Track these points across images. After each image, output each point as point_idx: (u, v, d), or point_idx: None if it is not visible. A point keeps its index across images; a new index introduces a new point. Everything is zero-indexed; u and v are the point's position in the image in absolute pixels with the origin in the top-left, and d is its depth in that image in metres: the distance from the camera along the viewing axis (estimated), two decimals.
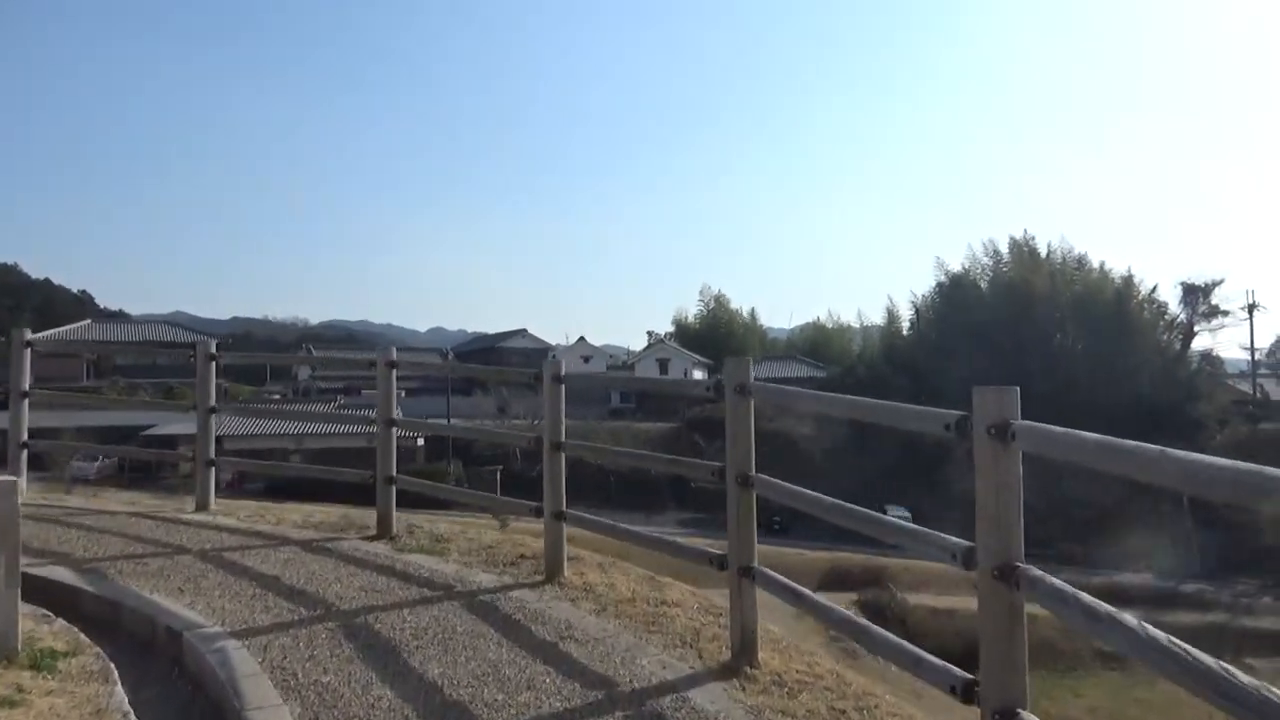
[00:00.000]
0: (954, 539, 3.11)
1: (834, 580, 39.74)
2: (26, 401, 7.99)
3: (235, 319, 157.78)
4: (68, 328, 68.00)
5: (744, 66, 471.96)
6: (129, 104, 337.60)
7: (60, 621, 3.90)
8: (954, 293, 65.57)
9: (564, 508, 5.24)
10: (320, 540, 5.81)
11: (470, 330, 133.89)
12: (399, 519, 6.18)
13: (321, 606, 4.40)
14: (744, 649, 4.07)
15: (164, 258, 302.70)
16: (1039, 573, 2.76)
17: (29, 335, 8.00)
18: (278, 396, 69.05)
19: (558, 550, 5.21)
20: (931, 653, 3.16)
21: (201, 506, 6.84)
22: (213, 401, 7.10)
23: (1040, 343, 59.11)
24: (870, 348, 76.19)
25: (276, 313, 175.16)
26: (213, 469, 7.03)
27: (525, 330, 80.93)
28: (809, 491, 4.35)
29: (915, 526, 3.59)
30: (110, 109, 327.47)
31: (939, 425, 3.13)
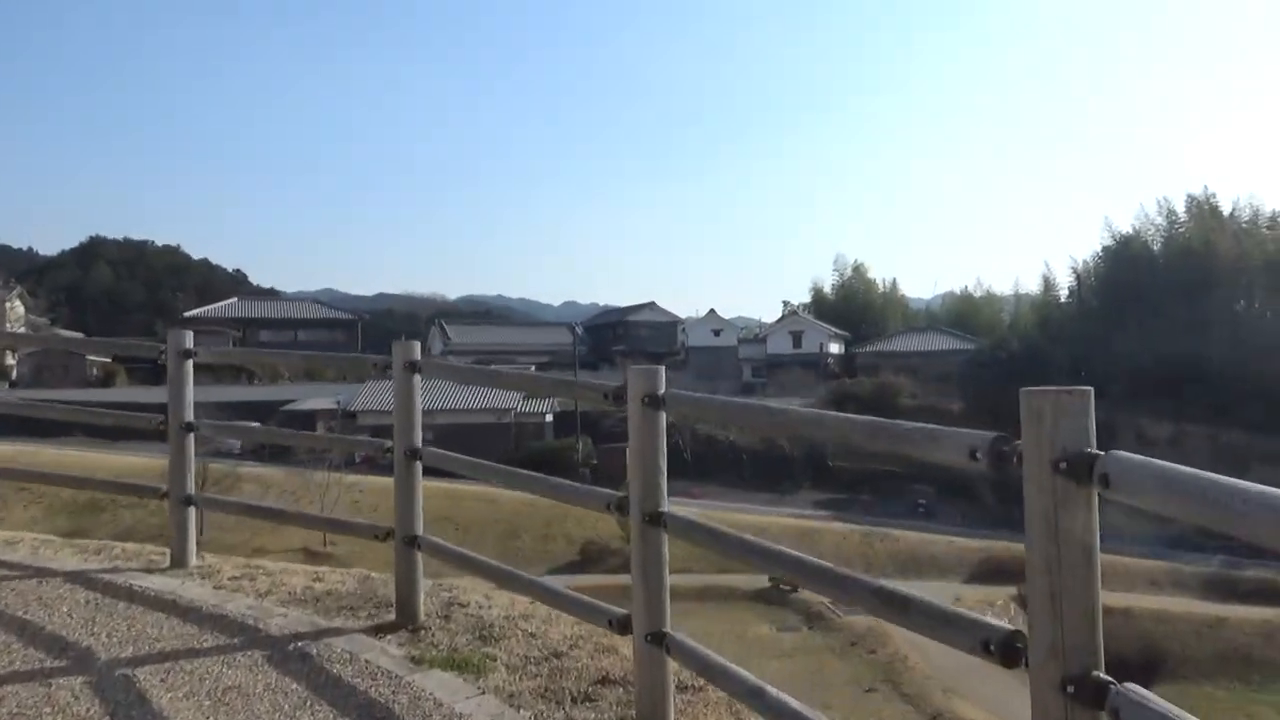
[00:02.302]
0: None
1: (988, 572, 36.28)
2: None
3: (380, 295, 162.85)
4: (216, 305, 70.82)
5: (875, 25, 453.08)
6: (280, 92, 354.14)
7: None
8: (1122, 257, 59.76)
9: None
10: (307, 636, 3.88)
11: (602, 303, 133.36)
12: (432, 589, 4.25)
13: None
14: None
15: (315, 238, 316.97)
16: None
17: None
18: None
19: (659, 693, 3.09)
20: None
21: (177, 562, 5.09)
22: (189, 415, 5.17)
23: (1223, 311, 53.05)
24: (1023, 318, 70.93)
25: (418, 288, 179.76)
26: (191, 510, 5.26)
27: (654, 303, 79.13)
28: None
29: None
30: (263, 98, 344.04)
31: None
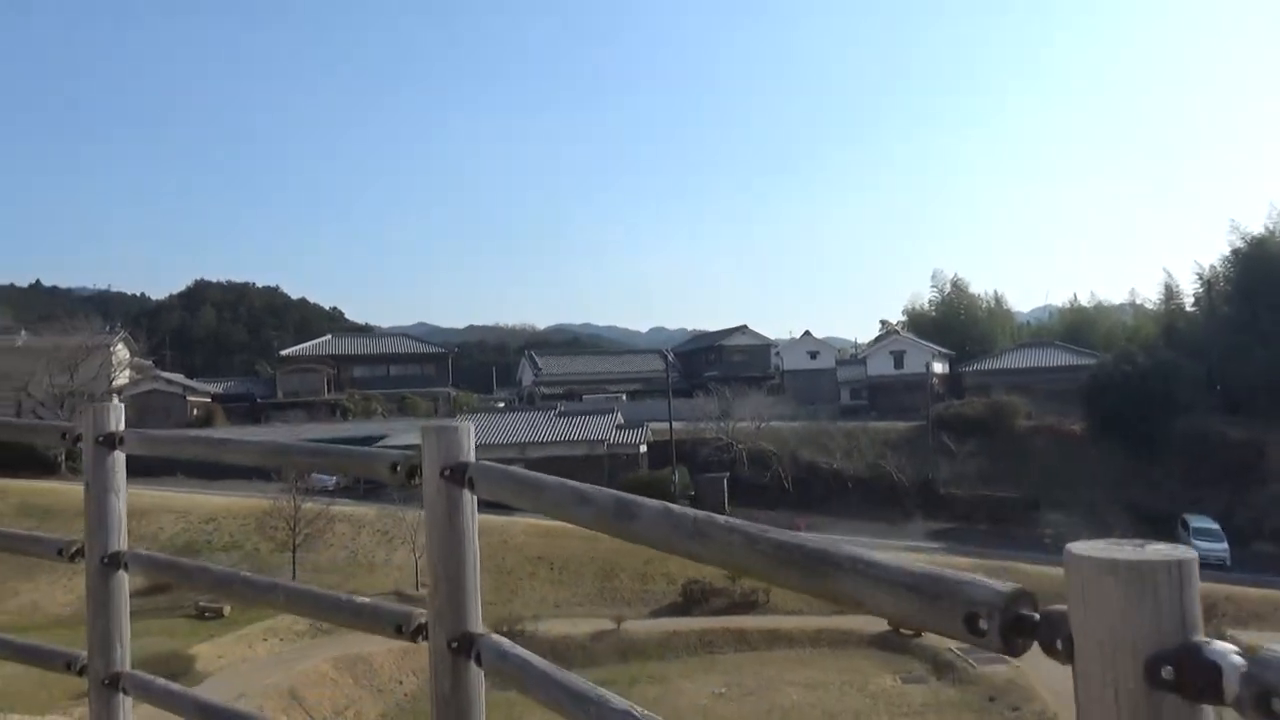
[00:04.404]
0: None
1: None
2: None
3: (471, 327, 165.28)
4: (310, 343, 71.67)
5: (965, 36, 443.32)
6: (372, 136, 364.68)
7: None
8: (1255, 259, 55.09)
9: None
10: None
11: (690, 329, 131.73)
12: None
13: None
14: None
15: (408, 273, 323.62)
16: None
17: None
18: (502, 404, 69.55)
19: None
20: None
21: None
22: (118, 541, 3.24)
23: None
24: (1144, 330, 66.38)
25: (508, 319, 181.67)
26: (122, 699, 3.13)
27: (745, 327, 77.00)
28: None
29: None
30: (357, 142, 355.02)
31: None
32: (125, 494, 3.22)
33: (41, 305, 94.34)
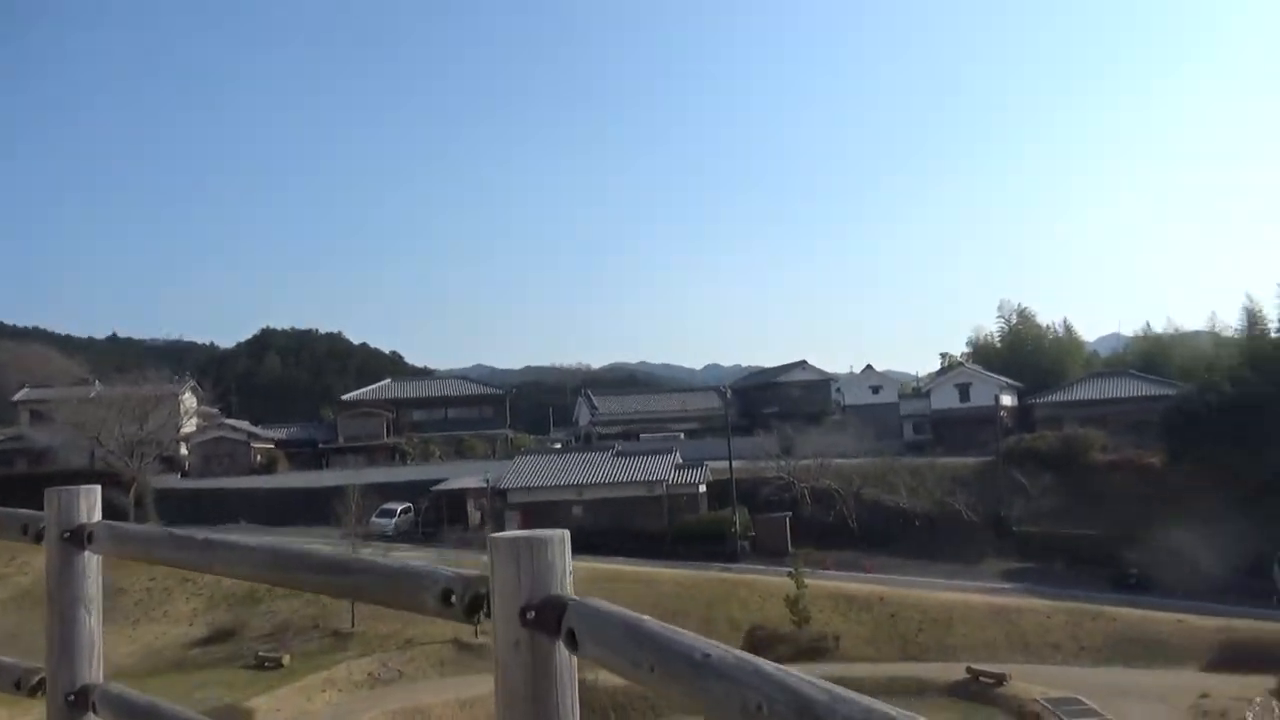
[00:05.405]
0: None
1: (1232, 658, 30.48)
2: None
3: (528, 368, 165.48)
4: (370, 387, 72.29)
5: (1019, 61, 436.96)
6: (427, 187, 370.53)
7: None
8: None
9: None
10: None
11: (745, 365, 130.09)
12: None
13: None
14: None
15: (465, 317, 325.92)
16: None
17: None
18: (559, 445, 69.13)
19: None
20: None
21: None
22: (92, 670, 2.48)
23: None
24: (1225, 358, 63.40)
25: (563, 360, 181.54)
26: None
27: (804, 362, 75.66)
28: None
29: None
30: (404, 189, 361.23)
31: None
32: (100, 607, 2.46)
33: (117, 357, 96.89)
